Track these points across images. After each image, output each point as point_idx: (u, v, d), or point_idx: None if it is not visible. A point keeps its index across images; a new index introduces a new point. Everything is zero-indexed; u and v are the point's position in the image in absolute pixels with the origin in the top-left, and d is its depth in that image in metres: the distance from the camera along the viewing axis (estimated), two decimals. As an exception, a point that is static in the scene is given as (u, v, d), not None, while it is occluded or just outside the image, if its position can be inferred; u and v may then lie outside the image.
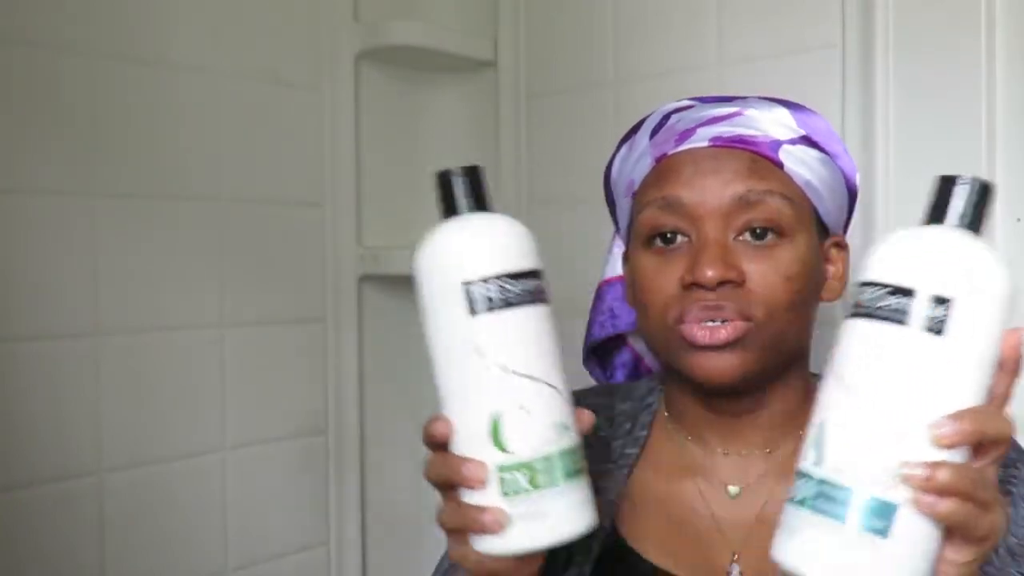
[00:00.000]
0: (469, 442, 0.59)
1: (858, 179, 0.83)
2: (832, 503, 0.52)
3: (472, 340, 0.58)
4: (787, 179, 0.76)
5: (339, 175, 1.42)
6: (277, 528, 1.35)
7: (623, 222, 0.84)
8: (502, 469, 0.58)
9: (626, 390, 0.89)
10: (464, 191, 0.62)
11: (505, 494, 0.58)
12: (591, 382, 1.01)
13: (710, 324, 0.72)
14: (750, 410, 0.79)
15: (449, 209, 0.62)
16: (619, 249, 0.94)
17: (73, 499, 1.14)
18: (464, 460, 0.58)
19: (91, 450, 1.15)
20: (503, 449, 0.58)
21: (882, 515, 0.51)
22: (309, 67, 1.38)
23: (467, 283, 0.58)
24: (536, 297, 0.60)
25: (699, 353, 0.73)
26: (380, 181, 1.50)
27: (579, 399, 0.87)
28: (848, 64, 1.12)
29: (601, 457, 0.82)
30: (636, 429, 0.84)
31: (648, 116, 0.82)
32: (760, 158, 0.75)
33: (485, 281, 0.58)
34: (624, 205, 0.83)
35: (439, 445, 0.60)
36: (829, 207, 0.79)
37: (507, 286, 0.58)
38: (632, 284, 0.80)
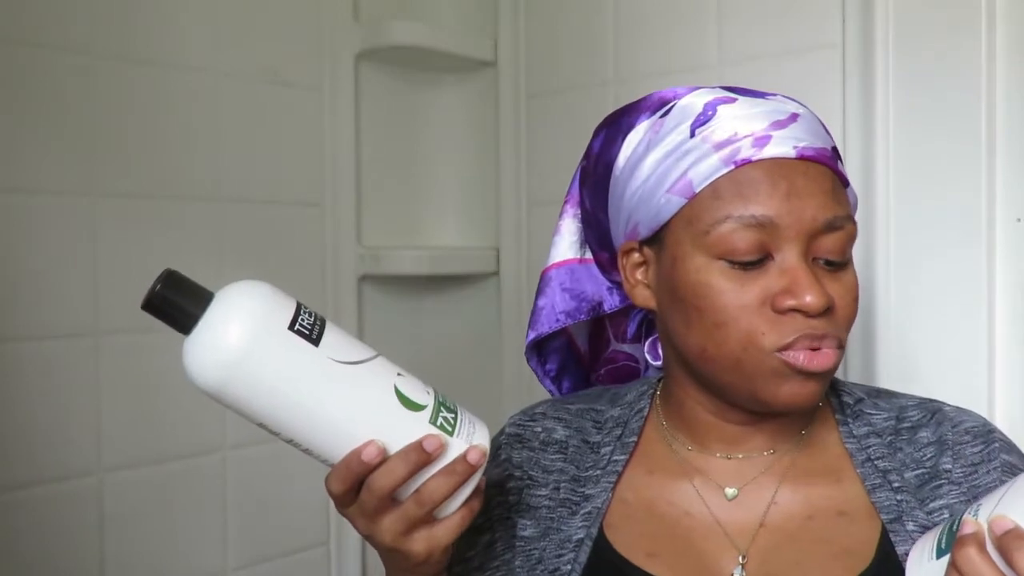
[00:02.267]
0: (394, 431, 0.64)
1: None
2: None
3: (333, 359, 0.63)
4: (847, 199, 0.75)
5: (339, 175, 1.42)
6: (277, 528, 1.35)
7: (647, 216, 0.76)
8: (433, 419, 0.65)
9: (615, 395, 0.87)
10: (186, 295, 0.63)
11: (453, 433, 0.65)
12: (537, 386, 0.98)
13: (812, 350, 0.70)
14: (763, 419, 0.78)
15: (187, 318, 0.63)
16: (567, 231, 0.90)
17: (73, 499, 1.14)
18: (412, 446, 0.64)
19: (91, 450, 1.15)
20: (420, 407, 0.65)
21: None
22: (309, 67, 1.38)
23: (291, 327, 0.62)
24: (320, 314, 0.66)
25: (794, 379, 0.71)
26: (380, 181, 1.50)
27: (569, 403, 0.87)
28: (848, 64, 1.12)
29: (589, 464, 0.82)
30: (626, 435, 0.82)
31: (672, 99, 0.77)
32: (835, 176, 0.74)
33: (296, 317, 0.63)
34: (663, 200, 0.75)
35: (371, 468, 0.64)
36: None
37: (308, 311, 0.64)
38: (684, 294, 0.74)
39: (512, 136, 1.49)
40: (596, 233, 0.85)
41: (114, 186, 1.17)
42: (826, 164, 0.73)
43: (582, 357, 0.97)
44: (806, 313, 0.70)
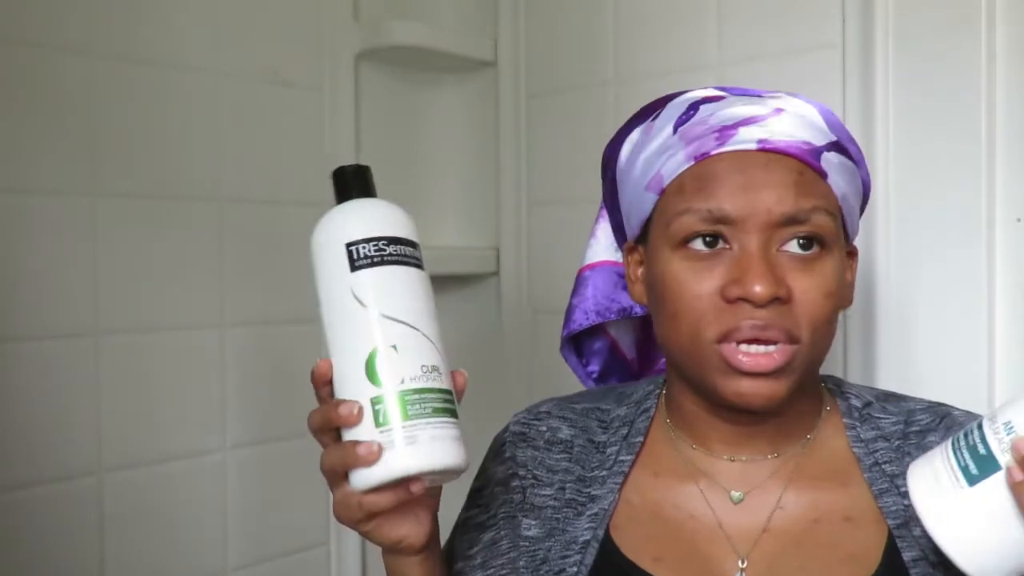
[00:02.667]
0: (347, 382, 0.65)
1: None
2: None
3: (352, 290, 0.66)
4: (828, 191, 0.74)
5: (339, 175, 1.42)
6: (277, 528, 1.35)
7: (636, 214, 0.79)
8: (375, 402, 0.64)
9: (621, 394, 0.86)
10: (351, 182, 0.72)
11: (377, 425, 0.64)
12: (573, 381, 1.00)
13: (755, 350, 0.69)
14: (763, 420, 0.77)
15: (340, 197, 0.72)
16: (603, 234, 0.91)
17: (73, 499, 1.14)
18: (340, 401, 0.64)
19: (91, 450, 1.15)
20: (376, 383, 0.64)
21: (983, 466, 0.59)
22: (309, 67, 1.38)
23: (349, 244, 0.67)
24: (409, 260, 0.68)
25: (740, 379, 0.70)
26: (380, 181, 1.49)
27: (574, 402, 0.87)
28: (848, 64, 1.12)
29: (595, 464, 0.81)
30: (632, 435, 0.82)
31: (667, 101, 0.78)
32: (807, 168, 0.73)
33: (364, 242, 0.67)
34: (643, 198, 0.78)
35: (323, 385, 0.66)
36: (854, 217, 0.77)
37: (381, 246, 0.67)
38: (654, 283, 0.76)
39: (512, 136, 1.49)
40: (620, 236, 0.87)
41: (114, 186, 1.17)
42: (795, 156, 0.72)
43: (630, 364, 0.97)
44: (753, 303, 0.69)
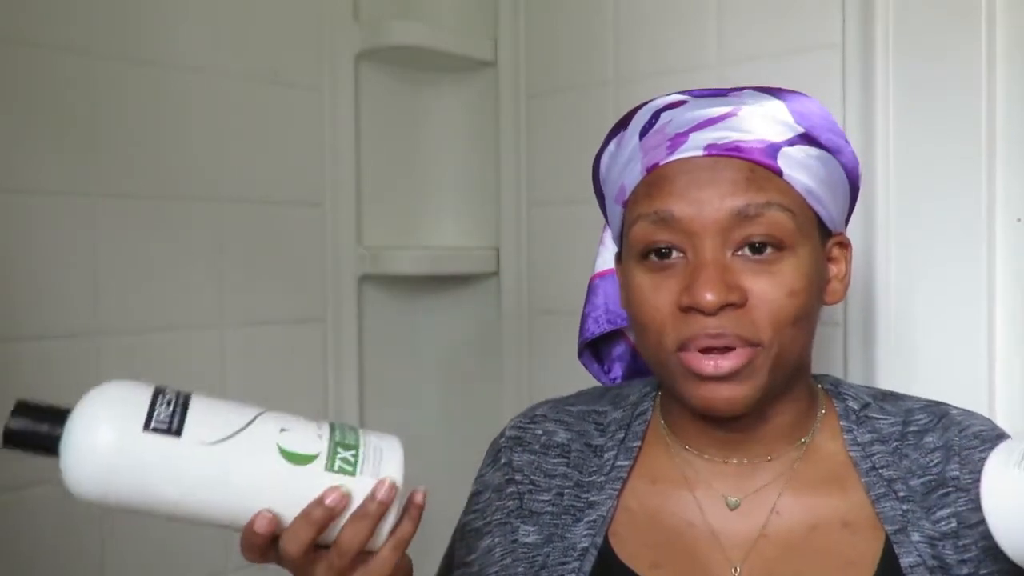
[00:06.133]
0: (289, 492, 0.62)
1: (860, 170, 0.79)
2: None
3: (204, 441, 0.61)
4: (787, 187, 0.72)
5: (339, 175, 1.42)
6: (277, 528, 1.35)
7: (614, 226, 0.81)
8: (330, 465, 0.62)
9: (617, 395, 0.86)
10: (41, 419, 0.65)
11: (355, 472, 0.63)
12: (588, 379, 1.00)
13: (714, 354, 0.69)
14: (752, 424, 0.76)
15: (48, 440, 0.64)
16: (610, 242, 0.91)
17: (73, 499, 1.14)
18: (317, 502, 0.62)
19: (91, 450, 1.15)
20: (311, 458, 0.62)
21: None
22: (309, 67, 1.38)
23: (146, 427, 0.60)
24: (184, 393, 0.63)
25: (703, 384, 0.70)
26: (380, 181, 1.50)
27: (569, 405, 0.86)
28: (848, 64, 1.12)
29: (593, 469, 0.80)
30: (629, 439, 0.81)
31: (638, 109, 0.78)
32: (758, 166, 0.72)
33: (151, 415, 0.60)
34: (615, 210, 0.79)
35: (268, 538, 0.62)
36: (831, 209, 0.75)
37: (166, 399, 0.62)
38: (626, 295, 0.77)
39: (512, 136, 1.49)
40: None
41: (114, 186, 1.17)
42: (744, 157, 0.71)
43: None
44: (703, 312, 0.68)
